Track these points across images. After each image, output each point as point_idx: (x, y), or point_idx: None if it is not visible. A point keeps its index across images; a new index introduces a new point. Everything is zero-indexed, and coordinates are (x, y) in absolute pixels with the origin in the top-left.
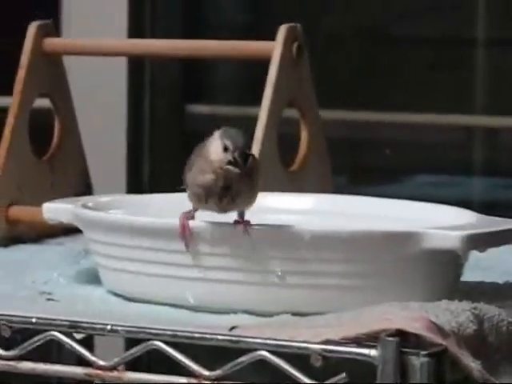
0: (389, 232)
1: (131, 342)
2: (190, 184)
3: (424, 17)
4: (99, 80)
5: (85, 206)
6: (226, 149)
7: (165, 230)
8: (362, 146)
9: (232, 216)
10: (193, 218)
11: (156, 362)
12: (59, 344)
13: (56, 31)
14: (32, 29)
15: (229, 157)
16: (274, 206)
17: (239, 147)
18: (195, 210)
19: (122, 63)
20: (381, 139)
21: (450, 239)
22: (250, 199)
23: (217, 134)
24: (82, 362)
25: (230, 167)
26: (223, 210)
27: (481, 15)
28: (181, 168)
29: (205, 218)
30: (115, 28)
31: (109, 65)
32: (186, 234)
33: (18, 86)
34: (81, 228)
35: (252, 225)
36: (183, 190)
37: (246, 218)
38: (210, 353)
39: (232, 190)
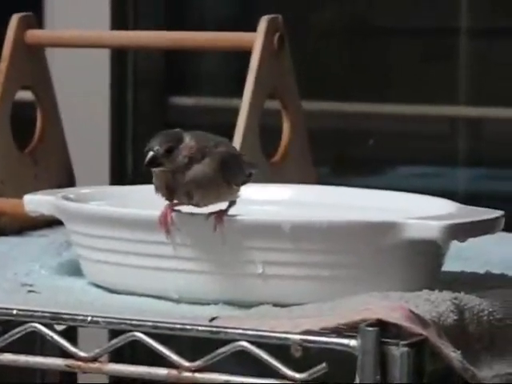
0: (369, 222)
1: (115, 334)
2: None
3: (407, 7)
4: (82, 72)
5: (66, 198)
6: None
7: (145, 221)
8: (346, 136)
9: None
10: (176, 209)
11: (140, 354)
12: (42, 336)
13: (39, 23)
14: (14, 21)
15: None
16: (255, 198)
17: (147, 148)
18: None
19: (104, 55)
20: (364, 130)
21: (431, 229)
22: (214, 195)
23: None
24: (65, 354)
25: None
26: (194, 206)
27: (464, 5)
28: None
29: (191, 209)
30: (98, 20)
31: (91, 57)
32: (166, 222)
33: (0, 78)
34: (62, 220)
35: (227, 216)
36: None
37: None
38: (194, 344)
39: (177, 190)
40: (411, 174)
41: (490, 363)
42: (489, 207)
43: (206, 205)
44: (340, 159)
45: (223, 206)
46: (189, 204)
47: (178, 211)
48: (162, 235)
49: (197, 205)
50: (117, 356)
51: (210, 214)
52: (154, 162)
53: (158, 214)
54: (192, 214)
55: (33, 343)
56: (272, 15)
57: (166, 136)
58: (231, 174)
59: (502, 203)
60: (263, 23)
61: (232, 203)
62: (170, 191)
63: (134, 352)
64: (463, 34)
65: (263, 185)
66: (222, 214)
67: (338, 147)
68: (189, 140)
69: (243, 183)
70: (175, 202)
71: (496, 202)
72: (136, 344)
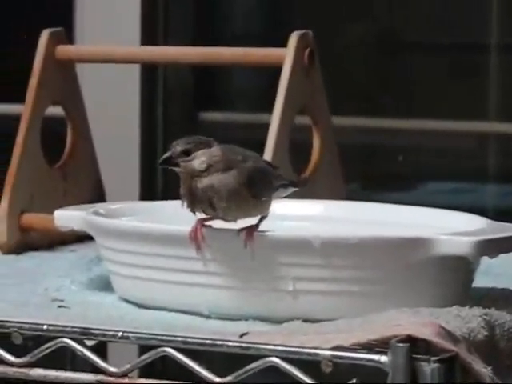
0: (399, 238)
1: (145, 349)
2: None
3: (437, 23)
4: (112, 87)
5: (96, 213)
6: None
7: (176, 236)
8: (376, 152)
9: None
10: (207, 224)
11: (171, 369)
12: (73, 352)
13: (69, 39)
14: (44, 36)
15: None
16: (285, 213)
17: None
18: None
19: (134, 71)
20: (394, 146)
21: (461, 245)
22: (238, 208)
23: None
24: (95, 369)
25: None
26: (223, 220)
27: (494, 20)
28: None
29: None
30: (128, 35)
31: (122, 72)
32: (197, 238)
33: (31, 93)
34: (92, 235)
35: (257, 231)
36: None
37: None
38: (225, 360)
39: (192, 194)
40: (441, 189)
41: None
42: None
43: (234, 219)
44: (370, 175)
45: (254, 220)
46: (216, 217)
47: (209, 226)
48: (192, 250)
49: (225, 219)
50: (147, 371)
51: (241, 229)
52: (168, 160)
53: (187, 229)
54: (222, 230)
55: (63, 358)
56: (302, 31)
57: (189, 139)
58: (258, 188)
59: None
60: (293, 39)
61: (263, 218)
62: (191, 198)
63: (164, 367)
64: (493, 49)
65: (293, 200)
66: (252, 229)
67: (368, 163)
68: (215, 148)
69: (275, 197)
70: (205, 216)
71: None
72: (166, 359)
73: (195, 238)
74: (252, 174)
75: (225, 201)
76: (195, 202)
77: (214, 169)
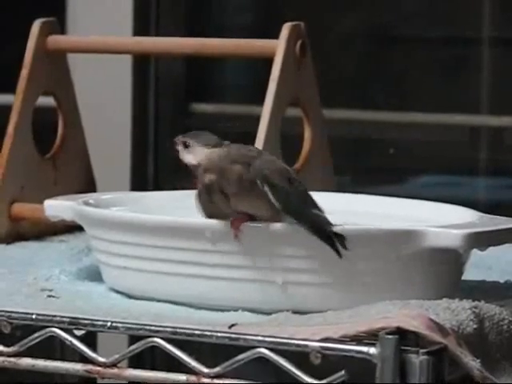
0: (390, 230)
1: (134, 340)
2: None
3: (429, 16)
4: (103, 78)
5: (86, 203)
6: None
7: (165, 227)
8: (367, 145)
9: None
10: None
11: (160, 360)
12: (62, 342)
13: (61, 29)
14: (36, 27)
15: None
16: None
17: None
18: None
19: (126, 61)
20: (385, 139)
21: (451, 238)
22: (249, 199)
23: None
24: (84, 359)
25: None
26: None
27: (486, 15)
28: (185, 166)
29: None
30: (120, 26)
31: (113, 63)
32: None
33: (22, 83)
34: (82, 225)
35: (246, 222)
36: None
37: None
38: (215, 350)
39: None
40: (432, 182)
41: (509, 372)
42: (510, 216)
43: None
44: (361, 168)
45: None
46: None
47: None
48: (182, 241)
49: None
50: (136, 361)
51: (231, 220)
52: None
53: (178, 219)
54: (211, 221)
55: (53, 348)
56: (294, 22)
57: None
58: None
59: None
60: (285, 30)
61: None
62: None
63: (153, 358)
64: (485, 43)
65: None
66: (240, 220)
67: (359, 156)
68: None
69: None
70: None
71: None
72: (156, 350)
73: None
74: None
75: (235, 187)
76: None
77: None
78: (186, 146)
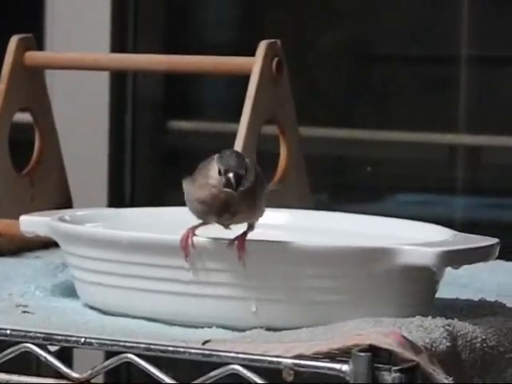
0: (363, 248)
1: (111, 356)
2: (190, 199)
3: (407, 35)
4: (81, 94)
5: (61, 220)
6: (220, 172)
7: (140, 243)
8: (344, 163)
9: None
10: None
11: (136, 375)
12: (38, 357)
13: (38, 45)
14: (13, 42)
15: (223, 179)
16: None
17: (231, 170)
18: (200, 224)
19: (104, 78)
20: (362, 157)
21: (425, 255)
22: (252, 214)
23: (215, 157)
24: (60, 375)
25: (227, 190)
26: (223, 224)
27: (464, 33)
28: (163, 183)
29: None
30: (98, 42)
31: (91, 79)
32: (187, 245)
33: None
34: (57, 241)
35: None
36: (177, 196)
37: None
38: (190, 366)
39: (230, 209)
40: (409, 201)
41: None
42: (487, 235)
43: (235, 223)
44: (338, 186)
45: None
46: (219, 223)
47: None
48: (156, 258)
49: (224, 225)
50: (113, 377)
51: (233, 240)
52: (241, 183)
53: (153, 236)
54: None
55: (30, 363)
56: (271, 40)
57: (239, 159)
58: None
59: (499, 232)
60: (261, 48)
61: (251, 227)
62: (223, 210)
63: (129, 373)
64: (463, 62)
65: None
66: (243, 240)
67: (336, 174)
68: (248, 161)
69: None
70: (197, 225)
71: (494, 230)
72: (132, 366)
73: (185, 246)
74: (261, 179)
75: (248, 210)
76: (220, 213)
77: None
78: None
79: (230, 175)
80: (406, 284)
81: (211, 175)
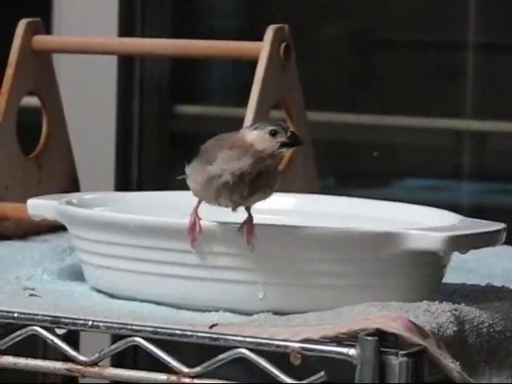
0: (370, 232)
1: (117, 339)
2: (204, 179)
3: (414, 21)
4: (88, 78)
5: (69, 203)
6: (274, 134)
7: (147, 227)
8: (351, 148)
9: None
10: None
11: (142, 359)
12: (45, 340)
13: (46, 29)
14: (21, 26)
15: (281, 138)
16: (257, 206)
17: (287, 128)
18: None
19: (111, 62)
20: (369, 142)
21: (432, 240)
22: (267, 194)
23: (251, 127)
24: (66, 358)
25: (283, 149)
26: (234, 205)
27: (471, 19)
28: (169, 167)
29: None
30: (106, 26)
31: (98, 63)
32: (194, 230)
33: (7, 83)
34: (65, 224)
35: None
36: (183, 180)
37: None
38: (199, 350)
39: (259, 182)
40: (416, 186)
41: (488, 375)
42: (493, 221)
43: (245, 204)
44: (345, 171)
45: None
46: (231, 203)
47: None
48: (164, 241)
49: (236, 206)
50: (119, 361)
51: (242, 225)
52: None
53: (160, 219)
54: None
55: (36, 346)
56: (279, 25)
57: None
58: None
59: (506, 217)
60: (269, 32)
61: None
62: (253, 182)
63: (136, 357)
64: (470, 48)
65: None
66: (251, 224)
67: (343, 159)
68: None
69: None
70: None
71: (500, 215)
72: (138, 349)
73: (192, 230)
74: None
75: (265, 189)
76: (250, 184)
77: None
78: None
79: (291, 130)
80: (413, 268)
81: (260, 142)
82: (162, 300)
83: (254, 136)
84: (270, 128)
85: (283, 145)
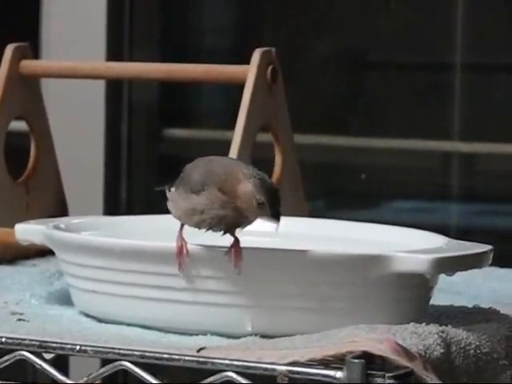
0: (357, 255)
1: (106, 362)
2: (188, 206)
3: (402, 42)
4: (77, 102)
5: (56, 228)
6: (261, 204)
7: (133, 251)
8: (339, 170)
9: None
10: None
11: (132, 382)
12: (33, 365)
13: (34, 54)
14: (9, 51)
15: (265, 212)
16: (247, 229)
17: (275, 203)
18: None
19: (100, 86)
20: (357, 164)
21: (419, 262)
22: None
23: (249, 174)
24: (55, 382)
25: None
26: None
27: (459, 41)
28: (158, 191)
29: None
30: (93, 51)
31: (86, 87)
32: (182, 254)
33: None
34: (53, 249)
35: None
36: (163, 191)
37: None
38: (185, 373)
39: (241, 225)
40: (404, 208)
41: None
42: (481, 242)
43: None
44: (333, 193)
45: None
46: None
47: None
48: (151, 265)
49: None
50: (110, 383)
51: (230, 248)
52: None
53: (147, 244)
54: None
55: (26, 370)
56: (265, 48)
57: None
58: None
59: (494, 238)
60: (256, 56)
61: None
62: (233, 226)
63: (126, 381)
64: (458, 69)
65: None
66: (239, 248)
67: (331, 181)
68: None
69: None
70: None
71: (489, 236)
72: (128, 372)
73: (180, 254)
74: None
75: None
76: (220, 225)
77: None
78: None
79: (277, 208)
80: (400, 291)
81: (246, 203)
82: (149, 324)
83: (244, 192)
84: (259, 198)
85: (262, 216)
